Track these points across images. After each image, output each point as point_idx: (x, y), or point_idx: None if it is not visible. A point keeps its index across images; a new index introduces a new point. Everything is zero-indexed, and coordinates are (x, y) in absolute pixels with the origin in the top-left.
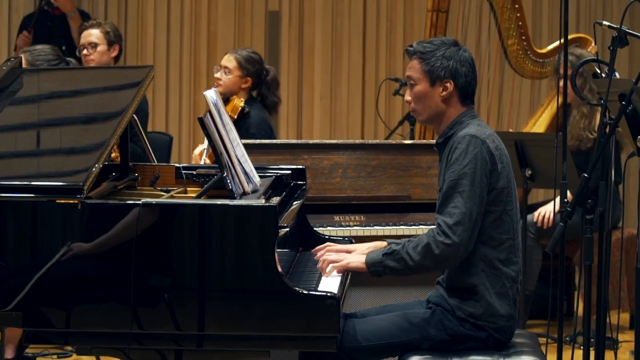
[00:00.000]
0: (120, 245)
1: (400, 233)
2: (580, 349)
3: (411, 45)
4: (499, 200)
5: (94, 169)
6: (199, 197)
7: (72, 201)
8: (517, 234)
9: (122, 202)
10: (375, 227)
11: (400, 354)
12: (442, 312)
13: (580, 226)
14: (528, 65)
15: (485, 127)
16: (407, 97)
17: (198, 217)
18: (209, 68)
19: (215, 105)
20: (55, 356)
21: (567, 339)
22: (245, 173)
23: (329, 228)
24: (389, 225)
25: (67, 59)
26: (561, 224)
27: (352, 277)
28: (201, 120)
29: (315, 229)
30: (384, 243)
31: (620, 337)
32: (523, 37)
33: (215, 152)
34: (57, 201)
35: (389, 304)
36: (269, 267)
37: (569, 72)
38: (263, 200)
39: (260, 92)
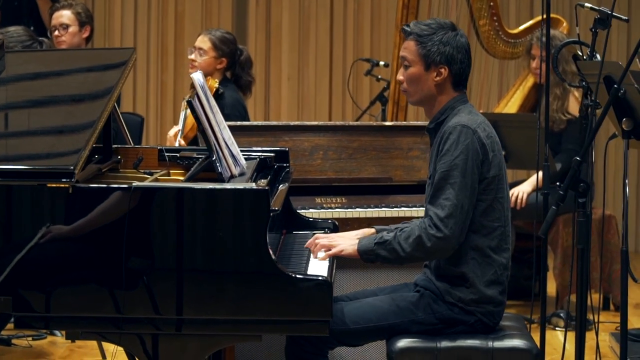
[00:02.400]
0: (111, 229)
1: (382, 215)
2: (554, 330)
3: (408, 25)
4: (490, 188)
5: (83, 152)
6: (188, 180)
7: (63, 185)
8: (507, 220)
9: (113, 186)
10: (357, 209)
11: (388, 337)
12: (430, 296)
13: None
14: (499, 46)
15: (476, 114)
16: (400, 77)
17: (190, 200)
18: (177, 48)
19: (202, 87)
20: (30, 338)
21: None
22: (233, 156)
23: (310, 210)
24: (370, 207)
25: (40, 39)
26: (553, 207)
27: (337, 260)
28: (190, 103)
29: (297, 211)
30: (372, 230)
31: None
32: (494, 18)
33: (203, 135)
34: (48, 185)
35: (376, 287)
36: (261, 251)
37: (539, 53)
38: (254, 184)
39: (234, 72)
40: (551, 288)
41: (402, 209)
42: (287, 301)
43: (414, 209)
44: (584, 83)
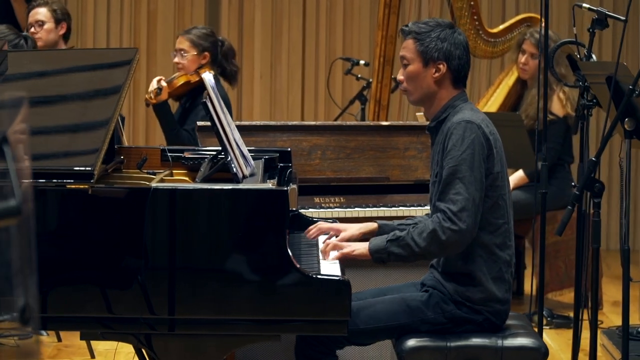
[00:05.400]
0: (130, 230)
1: (380, 214)
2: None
3: (406, 25)
4: (495, 185)
5: (101, 152)
6: (204, 180)
7: (83, 186)
8: (510, 217)
9: (132, 187)
10: (356, 209)
11: (397, 337)
12: (439, 296)
13: (535, 206)
14: (480, 45)
15: (478, 111)
16: (400, 77)
17: (210, 201)
18: (149, 47)
19: (214, 88)
20: (16, 337)
21: None
22: (243, 156)
23: (310, 210)
24: (368, 207)
25: (24, 34)
26: (569, 207)
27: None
28: (205, 104)
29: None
30: (375, 225)
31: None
32: (475, 17)
33: (218, 136)
34: (68, 187)
35: (383, 287)
36: (281, 251)
37: (530, 49)
38: (270, 184)
39: (219, 64)
40: (529, 286)
41: (400, 208)
42: (306, 301)
43: (412, 208)
44: (580, 83)
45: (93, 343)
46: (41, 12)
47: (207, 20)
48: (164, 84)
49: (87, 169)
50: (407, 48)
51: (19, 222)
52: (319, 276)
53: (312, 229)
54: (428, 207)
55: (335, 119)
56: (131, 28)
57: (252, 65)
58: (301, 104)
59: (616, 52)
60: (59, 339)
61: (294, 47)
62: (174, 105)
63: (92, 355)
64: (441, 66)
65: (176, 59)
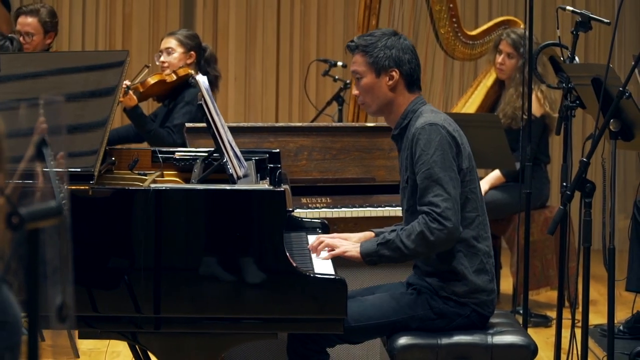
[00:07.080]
0: (130, 231)
1: (367, 215)
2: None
3: (352, 41)
4: (465, 180)
5: (100, 153)
6: (200, 181)
7: (83, 187)
8: (483, 210)
9: (132, 188)
10: (343, 209)
11: (388, 334)
12: (426, 292)
13: (511, 205)
14: (458, 47)
15: (438, 112)
16: (355, 92)
17: (210, 202)
18: (124, 49)
19: (208, 91)
20: None
21: None
22: (237, 157)
23: (297, 210)
24: (355, 207)
25: (10, 35)
26: (561, 207)
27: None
28: (201, 106)
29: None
30: (372, 234)
31: (553, 315)
32: (454, 20)
33: (214, 138)
34: (68, 187)
35: (371, 286)
36: (278, 251)
37: (507, 49)
38: (266, 185)
39: (200, 69)
40: (505, 285)
41: (386, 208)
42: (304, 300)
43: (397, 208)
44: (563, 84)
45: (78, 342)
46: (30, 24)
47: (182, 23)
48: (128, 83)
49: (90, 169)
50: (357, 62)
51: (58, 222)
52: (315, 275)
53: (317, 246)
54: None
55: (312, 121)
56: (106, 30)
57: (226, 67)
58: (275, 107)
59: (588, 54)
60: (42, 338)
61: (268, 49)
62: (156, 107)
63: (77, 355)
64: (394, 73)
65: (162, 58)
